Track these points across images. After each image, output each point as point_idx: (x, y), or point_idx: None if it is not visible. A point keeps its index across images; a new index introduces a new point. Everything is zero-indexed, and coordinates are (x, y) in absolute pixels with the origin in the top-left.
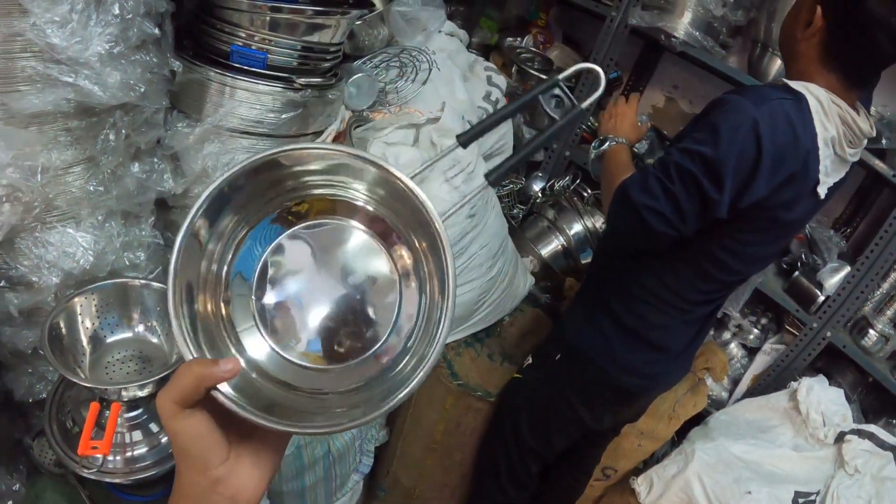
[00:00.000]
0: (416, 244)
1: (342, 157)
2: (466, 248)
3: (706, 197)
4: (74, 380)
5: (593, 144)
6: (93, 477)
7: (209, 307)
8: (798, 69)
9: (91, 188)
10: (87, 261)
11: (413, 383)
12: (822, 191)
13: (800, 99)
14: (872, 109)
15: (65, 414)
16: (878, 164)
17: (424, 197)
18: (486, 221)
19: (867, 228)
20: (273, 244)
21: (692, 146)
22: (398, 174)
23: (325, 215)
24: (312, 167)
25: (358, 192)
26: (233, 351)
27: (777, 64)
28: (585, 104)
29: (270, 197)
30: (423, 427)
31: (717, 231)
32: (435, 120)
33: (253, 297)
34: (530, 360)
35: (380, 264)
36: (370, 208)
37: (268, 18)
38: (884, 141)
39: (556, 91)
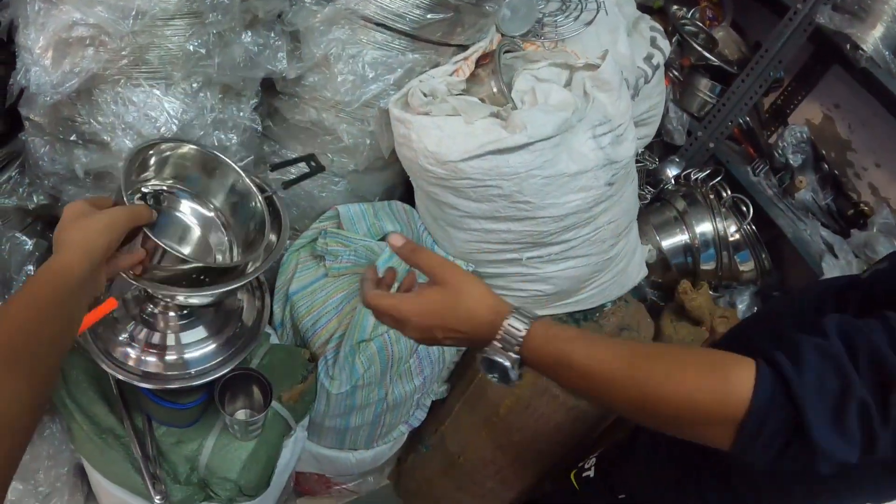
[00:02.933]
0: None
1: None
2: (595, 217)
3: None
4: None
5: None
6: (122, 378)
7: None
8: None
9: (191, 48)
10: (169, 129)
11: None
12: None
13: None
14: None
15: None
16: None
17: None
18: (622, 195)
19: None
20: None
21: None
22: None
23: None
24: None
25: None
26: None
27: None
28: None
29: None
30: (489, 397)
31: None
32: (593, 67)
33: None
34: (590, 473)
35: None
36: None
37: None
38: None
39: None
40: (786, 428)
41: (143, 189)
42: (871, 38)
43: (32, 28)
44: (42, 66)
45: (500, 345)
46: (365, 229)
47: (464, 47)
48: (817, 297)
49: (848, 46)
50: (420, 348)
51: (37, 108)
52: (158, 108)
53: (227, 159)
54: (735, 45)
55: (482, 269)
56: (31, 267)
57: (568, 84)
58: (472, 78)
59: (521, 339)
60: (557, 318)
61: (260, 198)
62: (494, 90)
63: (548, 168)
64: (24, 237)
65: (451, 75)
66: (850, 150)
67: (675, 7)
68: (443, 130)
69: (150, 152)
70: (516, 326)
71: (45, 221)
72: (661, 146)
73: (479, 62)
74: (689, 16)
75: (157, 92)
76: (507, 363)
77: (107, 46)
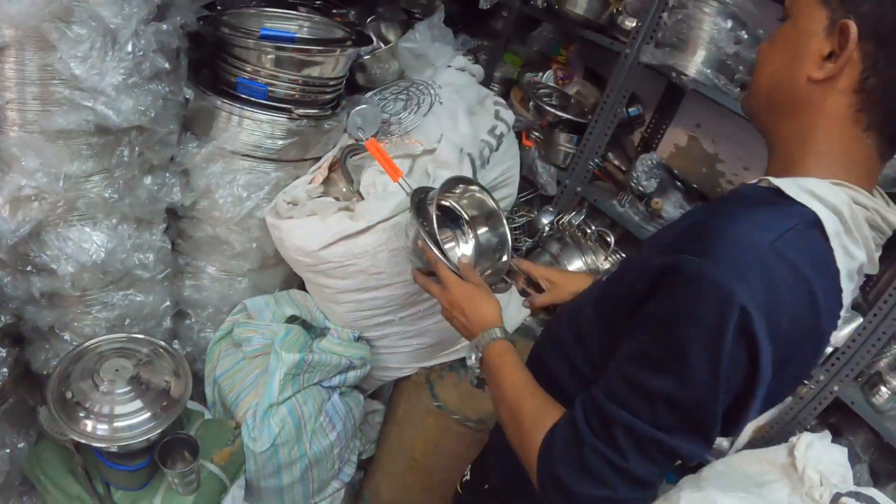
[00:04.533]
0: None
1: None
2: None
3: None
4: None
5: (470, 364)
6: (82, 441)
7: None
8: (798, 143)
9: (107, 195)
10: (98, 256)
11: None
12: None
13: (811, 223)
14: None
15: (66, 386)
16: None
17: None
18: None
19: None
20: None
21: (645, 380)
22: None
23: None
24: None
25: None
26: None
27: None
28: None
29: None
30: (405, 442)
31: None
32: (431, 151)
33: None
34: (468, 477)
35: None
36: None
37: (272, 56)
38: None
39: None
40: (554, 487)
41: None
42: (694, 64)
43: None
44: (2, 218)
45: (475, 342)
46: (270, 316)
47: (317, 158)
48: (595, 294)
49: (674, 75)
50: (328, 406)
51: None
52: (90, 241)
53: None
54: (591, 94)
55: (367, 333)
56: (4, 369)
57: (411, 171)
58: (328, 181)
59: (484, 346)
60: (448, 366)
61: None
62: (344, 189)
63: (392, 243)
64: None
65: (309, 183)
66: (718, 162)
67: (529, 74)
68: (304, 229)
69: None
70: (491, 336)
71: (12, 336)
72: (538, 199)
73: (332, 167)
74: (544, 79)
75: (87, 229)
76: (473, 354)
77: (47, 200)
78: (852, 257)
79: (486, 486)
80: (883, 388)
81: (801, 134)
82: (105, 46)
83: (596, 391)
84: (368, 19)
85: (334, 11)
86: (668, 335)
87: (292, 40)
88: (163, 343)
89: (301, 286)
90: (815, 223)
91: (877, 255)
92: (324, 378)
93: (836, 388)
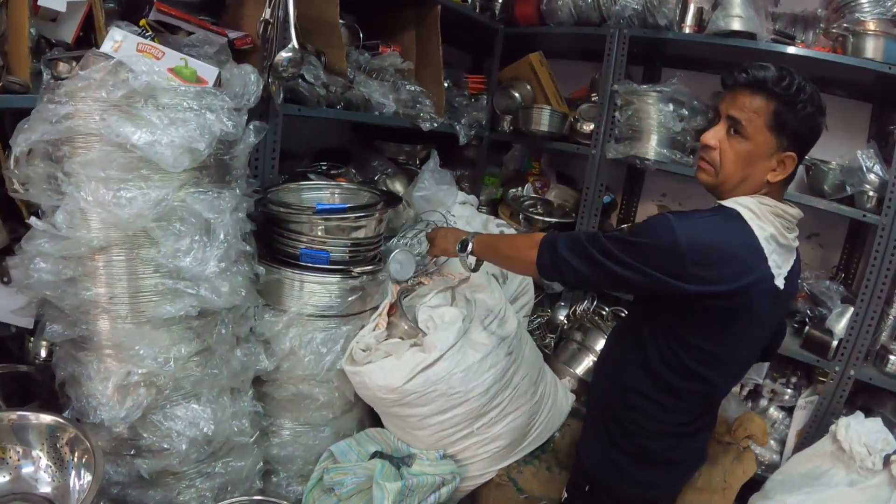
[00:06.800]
0: None
1: None
2: (510, 380)
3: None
4: None
5: (464, 254)
6: None
7: None
8: (740, 194)
9: (209, 371)
10: (210, 429)
11: None
12: (779, 283)
13: (729, 213)
14: (833, 163)
15: None
16: (848, 209)
17: None
18: (522, 355)
19: (863, 268)
20: None
21: (615, 234)
22: None
23: None
24: None
25: None
26: None
27: None
28: None
29: None
30: None
31: (683, 334)
32: (466, 279)
33: None
34: (565, 495)
35: None
36: None
37: (322, 227)
38: (848, 188)
39: None
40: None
41: None
42: (651, 148)
43: (97, 380)
44: (109, 406)
45: (464, 242)
46: (355, 457)
47: (376, 307)
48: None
49: (637, 162)
50: None
51: (105, 437)
52: (198, 417)
53: None
54: (568, 195)
55: (450, 449)
56: None
57: (453, 300)
58: (390, 325)
59: (472, 240)
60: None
61: None
62: (406, 328)
63: (462, 364)
64: None
65: (374, 330)
66: None
67: (512, 191)
68: (384, 369)
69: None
70: (470, 236)
71: None
72: (549, 299)
73: (390, 313)
74: (524, 192)
75: (194, 405)
76: (465, 252)
77: (154, 384)
78: (763, 229)
79: (587, 488)
80: (892, 357)
81: (750, 192)
82: (202, 238)
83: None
84: (376, 177)
85: (333, 173)
86: (632, 233)
87: (343, 210)
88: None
89: (375, 424)
90: (735, 214)
91: (791, 234)
92: (423, 499)
93: (852, 373)
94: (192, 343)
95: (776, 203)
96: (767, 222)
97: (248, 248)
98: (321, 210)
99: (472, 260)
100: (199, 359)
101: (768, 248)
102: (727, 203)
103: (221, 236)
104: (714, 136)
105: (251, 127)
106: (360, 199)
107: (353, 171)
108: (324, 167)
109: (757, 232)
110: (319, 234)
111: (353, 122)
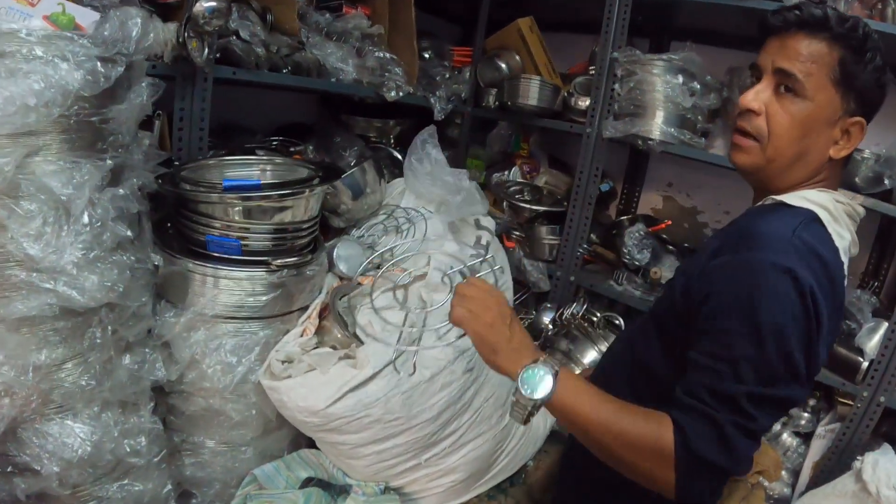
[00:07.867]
0: None
1: None
2: (469, 403)
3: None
4: None
5: (528, 392)
6: None
7: None
8: (799, 181)
9: (83, 382)
10: (84, 451)
11: None
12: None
13: (811, 218)
14: (868, 151)
15: None
16: (887, 206)
17: None
18: (486, 373)
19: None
20: None
21: (738, 353)
22: None
23: None
24: None
25: None
26: None
27: None
28: None
29: None
30: None
31: None
32: (422, 277)
33: None
34: None
35: None
36: None
37: (239, 208)
38: (886, 181)
39: None
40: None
41: None
42: (657, 126)
43: None
44: None
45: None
46: (283, 483)
47: (305, 307)
48: (642, 324)
49: (640, 142)
50: None
51: None
52: (72, 435)
53: None
54: (561, 181)
55: (393, 482)
56: None
57: (405, 300)
58: (321, 329)
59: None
60: (486, 496)
61: None
62: (339, 335)
63: (404, 383)
64: None
65: (300, 336)
66: (698, 213)
67: (496, 175)
68: (305, 387)
69: None
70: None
71: None
72: (533, 298)
73: (322, 314)
74: (511, 177)
75: (68, 422)
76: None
77: (18, 395)
78: (842, 238)
79: None
80: None
81: (805, 177)
82: (59, 221)
83: (696, 383)
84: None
85: (292, 150)
86: (747, 310)
87: (258, 187)
88: None
89: (311, 444)
90: (814, 217)
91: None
92: None
93: (882, 399)
94: (57, 349)
95: (848, 199)
96: (845, 227)
97: (128, 233)
98: (230, 187)
99: (532, 404)
100: (71, 367)
101: (845, 262)
102: (792, 200)
103: (85, 218)
104: (756, 96)
105: (143, 84)
106: (298, 175)
107: (312, 148)
108: (275, 143)
109: (837, 242)
110: (236, 217)
111: (320, 95)
